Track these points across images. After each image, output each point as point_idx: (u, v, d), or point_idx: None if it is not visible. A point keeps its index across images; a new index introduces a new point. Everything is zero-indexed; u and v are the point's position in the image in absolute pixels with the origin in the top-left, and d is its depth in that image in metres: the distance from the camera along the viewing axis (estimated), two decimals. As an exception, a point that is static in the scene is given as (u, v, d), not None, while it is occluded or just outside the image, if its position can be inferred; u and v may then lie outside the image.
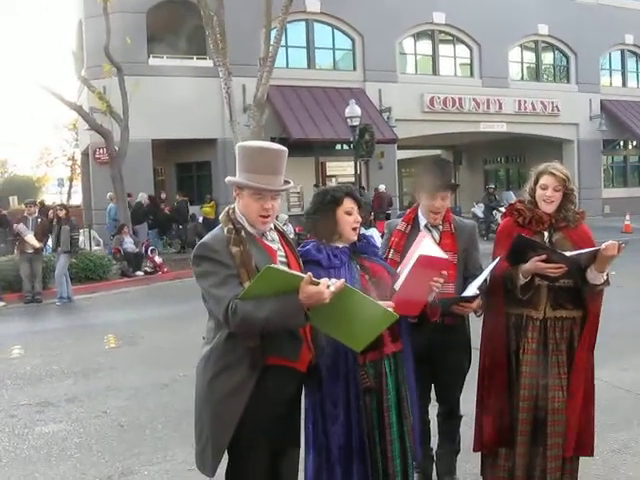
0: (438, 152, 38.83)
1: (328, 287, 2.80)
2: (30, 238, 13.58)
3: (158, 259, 17.61)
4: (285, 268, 2.85)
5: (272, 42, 19.19)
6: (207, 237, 3.13)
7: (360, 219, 3.49)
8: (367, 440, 3.33)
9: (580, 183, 31.49)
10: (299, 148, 23.64)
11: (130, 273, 16.84)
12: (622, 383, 6.61)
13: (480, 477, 4.35)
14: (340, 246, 3.48)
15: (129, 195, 20.57)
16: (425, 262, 3.35)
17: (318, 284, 2.79)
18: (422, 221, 4.23)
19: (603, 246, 3.68)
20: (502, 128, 29.75)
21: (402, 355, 3.53)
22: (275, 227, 3.29)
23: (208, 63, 22.72)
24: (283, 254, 3.21)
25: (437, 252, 3.49)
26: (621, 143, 33.84)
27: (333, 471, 3.35)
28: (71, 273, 14.62)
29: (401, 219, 4.33)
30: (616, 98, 32.58)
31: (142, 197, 21.33)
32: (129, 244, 17.51)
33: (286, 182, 3.22)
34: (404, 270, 3.45)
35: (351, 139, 21.70)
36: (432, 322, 3.69)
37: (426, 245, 3.56)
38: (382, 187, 24.43)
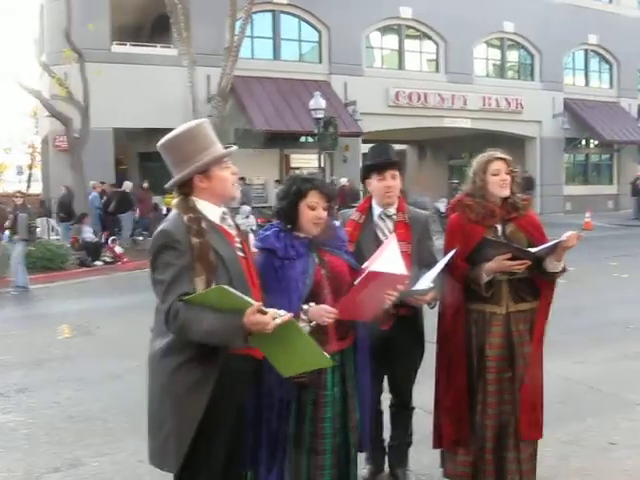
0: (403, 147, 38.99)
1: (275, 318, 2.74)
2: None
3: (118, 249, 17.39)
4: (236, 292, 2.75)
5: (237, 32, 19.08)
6: (167, 225, 2.98)
7: (323, 215, 3.37)
8: (297, 430, 3.32)
9: (542, 180, 31.97)
10: (263, 139, 23.59)
11: (89, 263, 16.60)
12: (575, 376, 6.65)
13: (433, 468, 4.36)
14: (301, 236, 3.39)
15: (102, 183, 20.26)
16: (374, 277, 3.24)
17: (266, 314, 2.73)
18: (376, 210, 4.19)
19: (564, 237, 3.71)
20: (466, 124, 29.93)
21: (351, 351, 3.48)
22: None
23: (172, 52, 22.48)
24: (239, 240, 3.14)
25: (396, 265, 3.32)
26: (583, 141, 34.22)
27: (260, 453, 3.32)
28: (28, 262, 14.35)
29: (355, 209, 4.29)
30: (579, 97, 33.00)
31: (127, 186, 20.95)
32: (88, 233, 17.27)
33: (226, 146, 3.18)
34: (358, 277, 3.36)
35: (315, 131, 21.64)
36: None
37: (387, 253, 3.42)
38: (344, 180, 23.75)
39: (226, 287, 2.74)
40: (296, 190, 3.36)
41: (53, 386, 6.97)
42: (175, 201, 3.07)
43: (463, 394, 3.97)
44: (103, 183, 20.51)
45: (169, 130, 3.12)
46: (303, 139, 25.87)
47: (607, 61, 35.03)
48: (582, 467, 4.62)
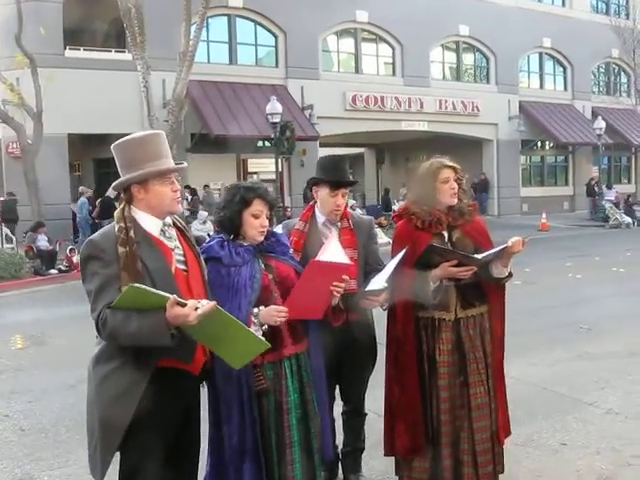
0: (361, 150, 39.18)
1: (197, 309, 2.72)
2: None
3: (76, 258, 17.11)
4: (149, 288, 2.74)
5: (192, 37, 18.93)
6: (96, 235, 3.03)
7: (266, 223, 3.40)
8: (261, 442, 3.26)
9: (499, 182, 32.37)
10: (220, 144, 23.47)
11: (43, 272, 16.33)
12: (529, 378, 6.71)
13: (386, 474, 4.36)
14: (245, 244, 3.40)
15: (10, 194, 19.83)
16: (318, 268, 3.28)
17: (185, 305, 2.71)
18: (320, 219, 4.19)
19: (509, 243, 3.74)
20: (423, 127, 30.14)
21: (307, 355, 3.47)
22: (174, 223, 3.19)
23: (127, 56, 22.15)
24: (181, 252, 3.12)
25: (339, 256, 3.39)
26: (538, 144, 34.69)
27: (226, 472, 3.27)
28: (-20, 271, 14.10)
29: (298, 218, 4.28)
30: (534, 99, 33.42)
31: (112, 192, 20.56)
32: (43, 241, 16.99)
33: (178, 163, 3.16)
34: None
35: (272, 136, 21.60)
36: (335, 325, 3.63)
37: (329, 248, 3.48)
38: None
39: (138, 285, 2.73)
40: (240, 199, 3.37)
41: (5, 399, 6.82)
42: (116, 211, 3.06)
43: (416, 401, 3.96)
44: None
45: (125, 135, 3.10)
46: (260, 143, 25.77)
47: (561, 64, 35.56)
48: (534, 468, 4.68)
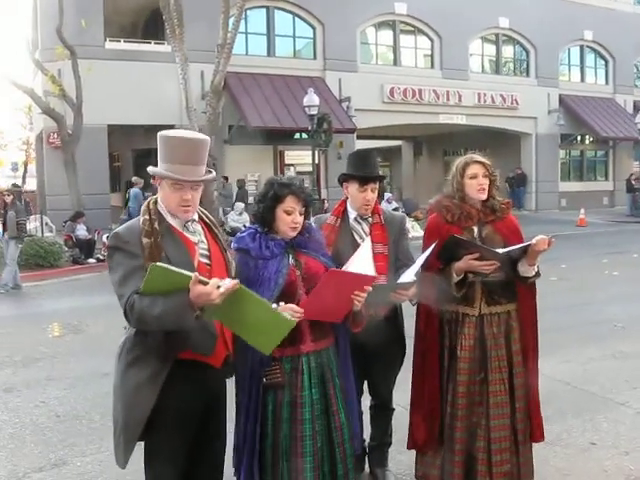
0: (399, 143, 39.03)
1: (218, 287, 2.73)
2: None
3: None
4: (171, 267, 2.77)
5: (230, 29, 19.01)
6: (121, 227, 3.11)
7: (299, 220, 3.40)
8: (272, 433, 3.34)
9: (537, 176, 32.00)
10: (257, 136, 23.57)
11: (81, 260, 16.59)
12: (561, 375, 6.68)
13: (413, 468, 4.37)
14: (278, 238, 3.43)
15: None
16: (337, 277, 3.27)
17: (207, 284, 2.72)
18: (351, 214, 4.21)
19: (534, 241, 3.70)
20: (462, 120, 29.91)
21: (331, 351, 3.49)
22: (201, 218, 3.24)
23: (166, 48, 22.39)
24: (205, 247, 3.17)
25: (365, 266, 3.37)
26: (578, 138, 34.22)
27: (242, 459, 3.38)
28: (21, 260, 14.35)
29: (330, 213, 4.31)
30: (574, 93, 32.97)
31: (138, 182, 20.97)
32: (82, 231, 17.25)
33: (208, 172, 3.18)
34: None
35: (309, 128, 21.63)
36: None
37: (359, 256, 3.47)
38: None
39: (160, 264, 2.76)
40: (273, 195, 3.39)
41: (41, 385, 6.99)
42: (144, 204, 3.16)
43: (435, 394, 4.00)
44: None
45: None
46: (297, 136, 25.79)
47: (603, 57, 34.97)
48: (561, 467, 4.66)
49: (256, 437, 3.32)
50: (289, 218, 3.38)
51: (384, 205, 22.16)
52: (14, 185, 17.55)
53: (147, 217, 3.03)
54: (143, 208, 3.10)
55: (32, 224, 18.60)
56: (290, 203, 3.37)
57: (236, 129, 23.87)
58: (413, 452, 4.29)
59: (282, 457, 3.35)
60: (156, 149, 3.13)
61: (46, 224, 19.05)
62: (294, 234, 3.42)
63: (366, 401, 4.45)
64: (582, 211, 25.28)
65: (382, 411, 4.46)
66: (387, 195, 25.10)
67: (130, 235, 3.00)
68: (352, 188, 4.16)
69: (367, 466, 4.56)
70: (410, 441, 4.18)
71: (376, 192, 4.16)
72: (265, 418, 3.35)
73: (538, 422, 4.09)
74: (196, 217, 3.20)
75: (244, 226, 16.13)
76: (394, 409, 4.48)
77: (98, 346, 8.38)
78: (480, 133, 31.82)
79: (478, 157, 4.01)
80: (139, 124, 22.52)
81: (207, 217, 3.29)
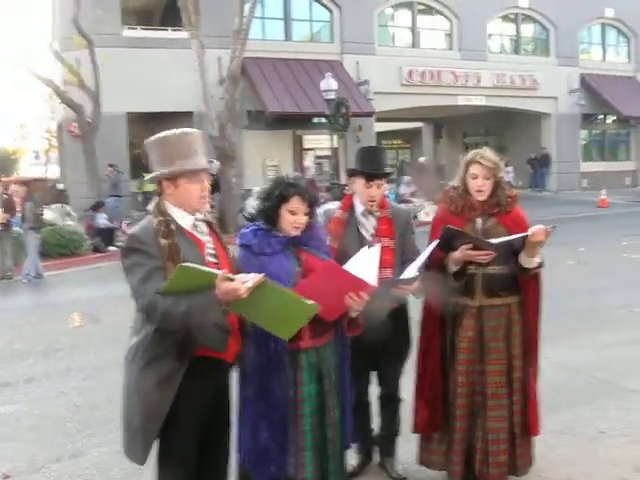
0: (419, 125, 38.82)
1: (245, 283, 2.80)
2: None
3: (134, 233, 17.46)
4: (199, 266, 2.85)
5: (245, 14, 18.99)
6: (136, 228, 3.14)
7: (303, 220, 3.45)
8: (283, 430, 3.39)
9: (558, 157, 31.71)
10: (276, 121, 23.58)
11: (102, 248, 16.76)
12: (574, 362, 6.70)
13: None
14: (280, 235, 3.48)
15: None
16: (333, 271, 3.27)
17: (233, 280, 2.80)
18: (359, 208, 4.27)
19: (530, 232, 3.74)
20: (481, 101, 29.69)
21: (329, 348, 3.54)
22: (206, 220, 3.31)
23: (183, 35, 22.37)
24: (212, 246, 3.24)
25: (366, 271, 3.33)
26: (599, 117, 33.82)
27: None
28: (42, 249, 14.54)
29: (337, 206, 4.36)
30: (595, 72, 32.53)
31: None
32: (102, 219, 17.41)
33: (210, 162, 3.25)
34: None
35: (327, 112, 21.61)
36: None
37: (365, 258, 3.47)
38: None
39: (187, 264, 2.83)
40: (279, 194, 3.44)
41: (61, 376, 7.13)
42: (150, 205, 3.19)
43: (437, 380, 4.09)
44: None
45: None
46: (316, 120, 25.74)
47: (625, 35, 34.44)
48: (569, 457, 4.69)
49: (277, 432, 3.37)
50: (293, 218, 3.43)
51: (403, 189, 22.22)
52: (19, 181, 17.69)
53: (162, 218, 3.08)
54: (154, 209, 3.13)
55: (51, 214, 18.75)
56: (295, 203, 3.42)
57: (254, 114, 23.89)
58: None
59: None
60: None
61: (68, 213, 19.16)
62: (296, 233, 3.47)
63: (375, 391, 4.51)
64: (603, 192, 25.06)
65: (390, 401, 4.51)
66: (406, 178, 25.04)
67: (146, 235, 3.04)
68: (358, 183, 4.22)
69: (376, 455, 4.63)
70: (414, 425, 4.27)
71: (382, 188, 4.21)
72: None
73: (534, 416, 4.11)
74: (201, 216, 3.26)
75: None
76: (402, 399, 4.54)
77: (116, 336, 8.32)
78: (500, 114, 31.57)
79: (482, 158, 3.98)
80: (158, 111, 22.59)
81: (208, 218, 3.35)
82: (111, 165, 21.27)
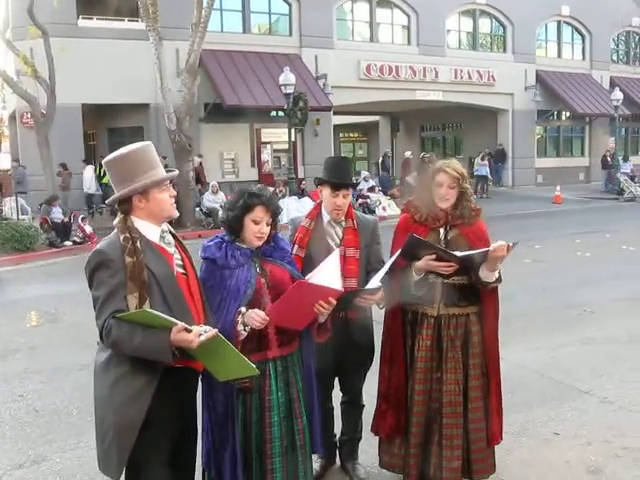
0: (376, 118, 38.99)
1: (200, 335, 2.93)
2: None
3: (88, 228, 17.29)
4: (159, 314, 2.91)
5: (205, 6, 18.84)
6: (103, 244, 3.16)
7: (266, 230, 3.51)
8: (244, 435, 3.48)
9: (514, 153, 32.21)
10: (233, 114, 23.48)
11: (58, 243, 16.53)
12: (529, 363, 6.82)
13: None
14: (244, 247, 3.53)
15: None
16: (304, 288, 3.38)
17: (191, 331, 2.92)
18: (325, 217, 4.33)
19: (492, 247, 3.82)
20: (438, 97, 29.98)
21: (296, 356, 3.61)
22: (169, 231, 3.34)
23: (140, 26, 22.09)
24: (179, 257, 3.29)
25: (332, 279, 3.45)
26: (555, 114, 34.41)
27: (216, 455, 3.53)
28: (-4, 244, 14.32)
29: (305, 215, 4.41)
30: (551, 69, 33.08)
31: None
32: (57, 214, 17.16)
33: (170, 170, 3.37)
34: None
35: (285, 106, 21.59)
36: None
37: (327, 267, 3.57)
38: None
39: (149, 310, 2.93)
40: (243, 204, 3.48)
41: (19, 378, 7.02)
42: (115, 220, 3.20)
43: (402, 385, 4.19)
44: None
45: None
46: (274, 113, 25.73)
47: (580, 32, 35.04)
48: (525, 459, 4.82)
49: (236, 440, 3.43)
50: (256, 228, 3.48)
51: (361, 184, 22.33)
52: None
53: (128, 235, 3.09)
54: (120, 226, 3.14)
55: (7, 206, 18.42)
56: (258, 213, 3.48)
57: (212, 107, 23.75)
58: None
59: (254, 459, 3.49)
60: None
61: (21, 207, 18.83)
62: (259, 243, 3.53)
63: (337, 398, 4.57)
64: (558, 188, 25.53)
65: (352, 407, 4.60)
66: (364, 173, 25.20)
67: (113, 251, 3.06)
68: (325, 192, 4.27)
69: (338, 459, 4.71)
70: (374, 426, 4.36)
71: (348, 198, 4.27)
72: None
73: (496, 427, 4.21)
74: (167, 228, 3.30)
75: (220, 207, 15.94)
76: (364, 405, 4.62)
77: (75, 336, 8.42)
78: (457, 109, 31.91)
79: (448, 167, 4.05)
80: (114, 103, 22.33)
81: (172, 230, 3.39)
82: (16, 160, 20.93)
